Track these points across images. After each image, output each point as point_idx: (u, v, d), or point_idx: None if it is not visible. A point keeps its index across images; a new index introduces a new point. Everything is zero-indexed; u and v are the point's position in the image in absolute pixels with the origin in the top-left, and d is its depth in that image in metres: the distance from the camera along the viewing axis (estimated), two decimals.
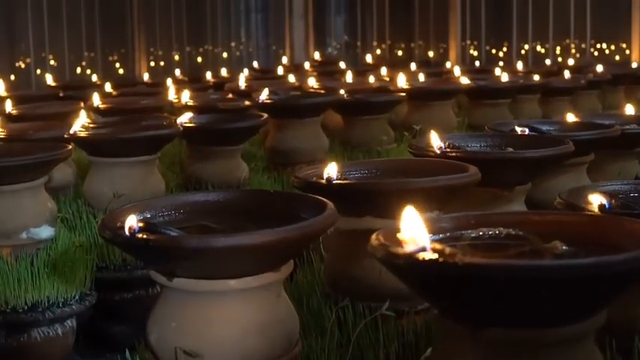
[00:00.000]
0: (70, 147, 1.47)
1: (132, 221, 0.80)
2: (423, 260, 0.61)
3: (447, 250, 0.64)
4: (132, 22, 4.25)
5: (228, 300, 0.83)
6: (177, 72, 3.65)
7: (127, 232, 0.79)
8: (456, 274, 0.60)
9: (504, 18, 4.53)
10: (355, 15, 4.91)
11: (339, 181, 1.00)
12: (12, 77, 3.84)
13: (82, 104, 2.27)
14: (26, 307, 1.42)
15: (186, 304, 0.83)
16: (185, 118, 1.78)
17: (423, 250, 0.64)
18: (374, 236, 0.70)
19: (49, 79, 3.27)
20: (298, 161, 1.98)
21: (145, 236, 0.78)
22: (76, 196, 1.82)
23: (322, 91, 2.26)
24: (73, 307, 1.45)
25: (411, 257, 0.62)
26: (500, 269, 0.59)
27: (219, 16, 4.67)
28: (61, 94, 2.82)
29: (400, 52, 4.83)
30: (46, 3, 4.04)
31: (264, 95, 1.95)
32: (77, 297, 1.47)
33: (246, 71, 3.09)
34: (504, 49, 4.76)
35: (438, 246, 0.65)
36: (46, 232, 1.45)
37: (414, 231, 0.66)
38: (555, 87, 2.79)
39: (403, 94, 2.26)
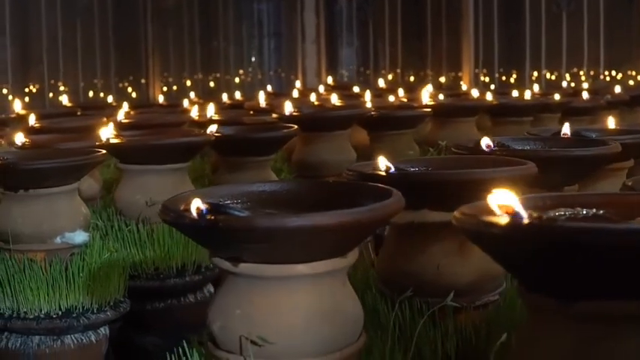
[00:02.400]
0: (105, 152, 1.45)
1: (199, 203, 0.77)
2: (527, 226, 0.59)
3: (546, 217, 0.62)
4: (146, 48, 4.25)
5: (295, 286, 0.80)
6: (192, 95, 3.64)
7: (194, 214, 0.77)
8: (563, 238, 0.57)
9: (517, 46, 4.54)
10: (367, 41, 4.92)
11: (398, 172, 0.98)
12: (26, 99, 3.83)
13: (106, 119, 2.25)
14: (60, 313, 1.40)
15: (252, 291, 0.80)
16: (214, 129, 1.77)
17: (520, 217, 0.62)
18: (457, 212, 0.68)
19: (65, 100, 3.27)
20: (326, 174, 1.96)
21: (214, 217, 0.75)
22: (103, 207, 1.80)
23: (350, 105, 2.25)
24: (108, 313, 1.43)
25: (510, 224, 0.60)
26: (609, 233, 0.57)
27: (232, 42, 4.68)
28: (78, 113, 2.81)
29: (412, 78, 4.83)
30: (60, 29, 4.04)
31: (290, 108, 1.94)
32: (111, 304, 1.45)
33: (262, 93, 3.08)
34: (514, 76, 4.76)
35: (534, 214, 0.62)
36: (80, 237, 1.43)
37: (508, 201, 0.64)
38: (577, 106, 2.77)
39: (428, 110, 2.25)
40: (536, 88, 3.62)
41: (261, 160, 1.79)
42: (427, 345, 0.97)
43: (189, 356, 0.90)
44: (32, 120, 2.15)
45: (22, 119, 2.47)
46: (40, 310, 1.39)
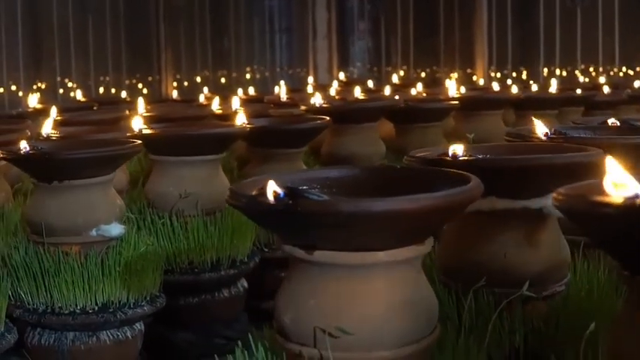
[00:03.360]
0: (141, 142, 1.40)
1: (274, 187, 0.73)
2: None
3: None
4: (158, 44, 4.19)
5: (373, 274, 0.76)
6: (205, 90, 3.60)
7: (270, 198, 0.73)
8: None
9: (530, 42, 4.49)
10: (379, 38, 4.87)
11: (467, 158, 0.94)
12: (37, 96, 3.78)
13: (128, 112, 2.22)
14: (96, 308, 1.36)
15: (328, 280, 0.76)
16: (244, 121, 1.72)
17: (636, 197, 0.58)
18: (556, 194, 0.64)
19: (79, 95, 3.23)
20: None
21: (293, 201, 0.71)
22: (131, 199, 1.76)
23: (379, 98, 2.21)
24: (145, 308, 1.39)
25: (628, 204, 0.56)
26: None
27: (243, 38, 4.63)
28: (94, 108, 2.76)
29: (423, 75, 4.79)
30: (72, 26, 4.00)
31: (319, 100, 1.90)
32: (148, 298, 1.40)
33: (283, 87, 3.04)
34: (524, 72, 4.71)
35: None
36: (116, 229, 1.38)
37: (623, 179, 0.60)
38: (600, 100, 2.74)
39: (456, 102, 2.21)
40: (553, 83, 3.58)
41: (293, 152, 1.75)
42: (495, 337, 0.93)
43: (253, 350, 0.85)
44: (54, 113, 2.11)
45: (39, 113, 2.43)
46: (76, 305, 1.35)
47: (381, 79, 4.53)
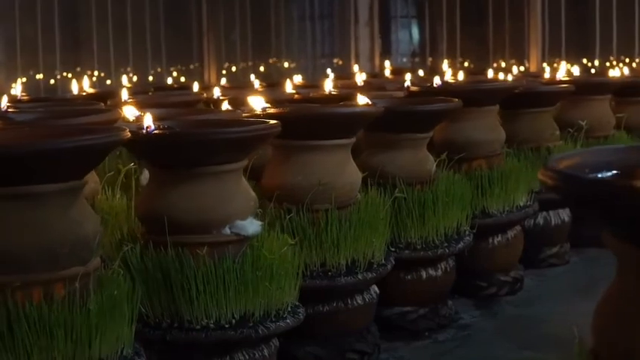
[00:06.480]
0: (278, 122, 1.17)
1: None
2: None
3: None
4: (200, 32, 3.94)
5: None
6: (252, 77, 3.38)
7: None
8: None
9: (585, 30, 4.26)
10: (424, 24, 4.63)
11: None
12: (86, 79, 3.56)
13: (205, 95, 2.01)
14: (233, 322, 1.13)
15: None
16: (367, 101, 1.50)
17: None
18: None
19: (125, 80, 3.02)
20: (476, 155, 1.73)
21: None
22: None
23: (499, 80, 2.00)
24: (288, 321, 1.17)
25: None
26: None
27: (283, 26, 4.39)
28: (149, 93, 2.54)
29: (466, 64, 4.55)
30: (110, 13, 3.76)
31: (437, 81, 1.68)
32: (289, 309, 1.18)
33: (332, 76, 2.82)
34: (562, 62, 4.47)
35: None
36: (252, 226, 1.15)
37: None
38: None
39: (571, 86, 1.99)
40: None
41: (419, 137, 1.54)
42: None
43: None
44: (125, 95, 1.89)
45: (95, 98, 2.20)
46: (208, 318, 1.12)
47: (426, 68, 4.28)
